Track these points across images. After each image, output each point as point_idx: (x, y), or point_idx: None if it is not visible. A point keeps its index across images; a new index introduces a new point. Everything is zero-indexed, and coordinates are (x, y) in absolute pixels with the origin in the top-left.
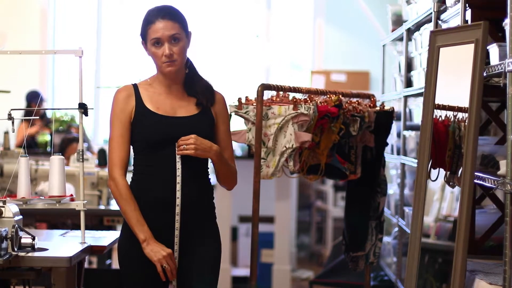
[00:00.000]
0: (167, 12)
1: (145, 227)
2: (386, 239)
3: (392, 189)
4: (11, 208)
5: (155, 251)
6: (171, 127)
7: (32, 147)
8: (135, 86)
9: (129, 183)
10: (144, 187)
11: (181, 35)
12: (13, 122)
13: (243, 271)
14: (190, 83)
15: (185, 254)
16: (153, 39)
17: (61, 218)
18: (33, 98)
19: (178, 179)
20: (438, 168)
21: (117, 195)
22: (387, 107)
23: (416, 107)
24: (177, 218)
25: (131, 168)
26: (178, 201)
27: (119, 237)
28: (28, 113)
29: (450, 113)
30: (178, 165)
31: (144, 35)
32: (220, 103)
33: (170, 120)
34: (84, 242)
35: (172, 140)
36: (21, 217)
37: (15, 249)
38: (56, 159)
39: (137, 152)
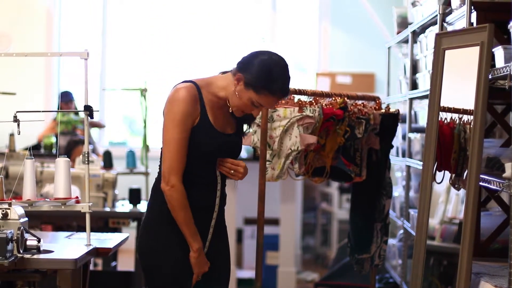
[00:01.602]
0: (287, 94)
1: (199, 236)
2: (391, 241)
3: (397, 192)
4: (17, 210)
5: (202, 263)
6: (222, 144)
7: (37, 148)
8: (198, 89)
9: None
10: (187, 192)
11: None
12: (18, 125)
13: (248, 273)
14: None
15: (213, 250)
16: (261, 104)
17: (66, 220)
18: (63, 96)
19: (218, 193)
20: (443, 171)
21: (177, 203)
22: (392, 110)
23: (422, 110)
24: (211, 230)
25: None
26: (215, 215)
27: (148, 237)
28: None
29: (455, 116)
30: (219, 180)
31: (254, 87)
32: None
33: (222, 137)
34: (90, 244)
35: (217, 156)
36: (26, 219)
37: (21, 251)
38: (62, 161)
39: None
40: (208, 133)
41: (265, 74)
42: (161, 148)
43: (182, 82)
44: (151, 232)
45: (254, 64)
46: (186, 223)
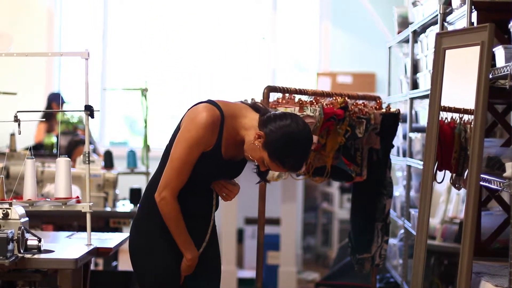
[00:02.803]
0: (298, 170)
1: (193, 245)
2: (392, 241)
3: (398, 191)
4: (17, 210)
5: (191, 268)
6: (226, 171)
7: (38, 149)
8: (222, 118)
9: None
10: (186, 211)
11: None
12: (19, 124)
13: (249, 273)
14: None
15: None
16: (269, 167)
17: (67, 220)
18: (54, 98)
19: (214, 201)
20: (444, 170)
21: (172, 216)
22: (393, 109)
23: (422, 109)
24: (209, 230)
25: None
26: (213, 215)
27: (138, 237)
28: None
29: (456, 115)
30: (214, 195)
31: (272, 155)
32: None
33: (228, 164)
34: (90, 244)
35: (219, 178)
36: (27, 219)
37: (21, 251)
38: (62, 161)
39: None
40: (216, 163)
41: (283, 146)
42: (165, 157)
43: (209, 101)
44: (141, 231)
45: (278, 129)
46: (178, 233)
